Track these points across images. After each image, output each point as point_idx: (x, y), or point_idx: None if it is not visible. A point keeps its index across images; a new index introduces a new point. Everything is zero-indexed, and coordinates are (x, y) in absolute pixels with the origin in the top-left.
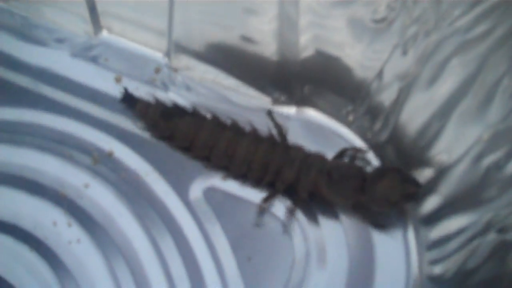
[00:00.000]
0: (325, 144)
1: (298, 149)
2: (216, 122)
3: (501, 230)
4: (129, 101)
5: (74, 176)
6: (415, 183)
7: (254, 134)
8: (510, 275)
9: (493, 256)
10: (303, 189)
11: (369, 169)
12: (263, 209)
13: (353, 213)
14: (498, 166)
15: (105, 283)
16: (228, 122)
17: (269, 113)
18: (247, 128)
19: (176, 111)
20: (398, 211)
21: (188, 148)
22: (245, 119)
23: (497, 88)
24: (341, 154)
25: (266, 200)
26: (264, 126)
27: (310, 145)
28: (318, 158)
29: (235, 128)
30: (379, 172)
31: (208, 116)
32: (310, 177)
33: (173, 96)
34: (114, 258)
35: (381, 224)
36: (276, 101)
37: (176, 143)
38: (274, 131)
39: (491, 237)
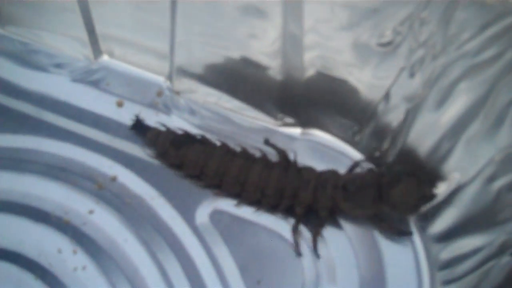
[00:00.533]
0: (332, 165)
1: (310, 170)
2: (226, 149)
3: None
4: (139, 129)
5: (78, 203)
6: (431, 183)
7: (264, 160)
8: None
9: (507, 280)
10: (322, 207)
11: (383, 175)
12: (297, 238)
13: (374, 224)
14: (509, 188)
15: None
16: (238, 149)
17: (267, 142)
18: (258, 155)
19: (186, 139)
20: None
21: (198, 176)
22: (250, 141)
23: (507, 111)
24: (353, 167)
25: (295, 228)
26: (270, 149)
27: (316, 166)
28: (331, 174)
29: (245, 155)
30: (394, 177)
31: (218, 143)
32: (327, 194)
33: (176, 120)
34: (120, 285)
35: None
36: (281, 123)
37: (187, 172)
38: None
39: (505, 260)
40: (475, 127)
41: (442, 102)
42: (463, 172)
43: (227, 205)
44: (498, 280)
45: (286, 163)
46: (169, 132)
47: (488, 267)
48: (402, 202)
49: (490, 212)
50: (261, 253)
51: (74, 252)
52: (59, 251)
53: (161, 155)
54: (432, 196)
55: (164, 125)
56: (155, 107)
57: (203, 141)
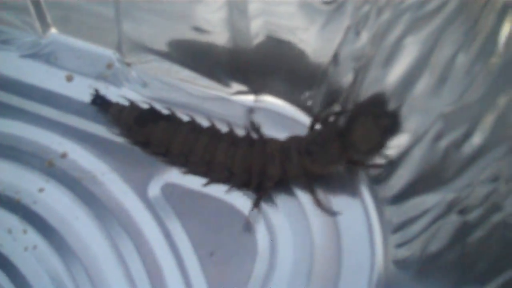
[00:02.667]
0: (287, 130)
1: (274, 142)
2: (192, 126)
3: (462, 211)
4: (100, 104)
5: (29, 181)
6: (387, 113)
7: (230, 136)
8: (470, 258)
9: (455, 238)
10: (294, 177)
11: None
12: (255, 214)
13: (352, 174)
14: (456, 145)
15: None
16: (205, 125)
17: (252, 124)
18: (224, 129)
19: (151, 115)
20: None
21: (164, 154)
22: (204, 110)
23: (452, 65)
24: (312, 126)
25: (256, 203)
26: (224, 116)
27: (271, 132)
28: (293, 141)
29: (212, 132)
30: (350, 121)
31: (186, 118)
32: (293, 163)
33: (127, 92)
34: (72, 263)
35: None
36: (234, 91)
37: (152, 150)
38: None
39: (453, 218)
40: (422, 84)
41: (389, 59)
42: (412, 131)
43: (179, 178)
44: (447, 239)
45: (252, 138)
46: (133, 108)
47: (437, 227)
48: (366, 141)
49: (439, 171)
50: (213, 225)
51: (25, 231)
52: (9, 231)
53: (125, 132)
54: (392, 126)
55: (127, 99)
56: (105, 79)
57: (169, 118)
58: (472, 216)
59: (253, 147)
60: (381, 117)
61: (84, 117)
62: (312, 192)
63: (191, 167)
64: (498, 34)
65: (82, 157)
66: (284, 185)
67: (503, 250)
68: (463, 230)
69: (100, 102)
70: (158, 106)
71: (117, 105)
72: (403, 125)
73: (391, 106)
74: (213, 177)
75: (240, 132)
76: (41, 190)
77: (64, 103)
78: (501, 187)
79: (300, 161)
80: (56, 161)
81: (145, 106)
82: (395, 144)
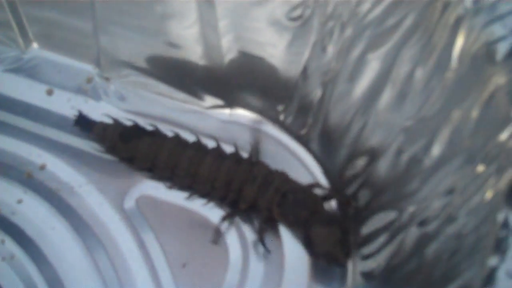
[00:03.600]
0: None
1: (262, 167)
2: (177, 141)
3: (421, 223)
4: (83, 124)
5: (7, 192)
6: (350, 243)
7: (216, 151)
8: (426, 268)
9: (415, 249)
10: (262, 207)
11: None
12: (220, 228)
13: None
14: (417, 158)
15: None
16: (190, 140)
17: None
18: (210, 146)
19: (135, 131)
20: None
21: (150, 169)
22: (180, 124)
23: (411, 80)
24: (311, 185)
25: (225, 218)
26: (199, 128)
27: (245, 146)
28: (279, 177)
29: (197, 146)
30: (326, 218)
31: (170, 134)
32: (267, 195)
33: (106, 106)
34: (48, 272)
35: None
36: (209, 105)
37: (137, 165)
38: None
39: (413, 230)
40: (384, 98)
41: (354, 74)
42: (376, 146)
43: (154, 190)
44: (408, 250)
45: (239, 156)
46: (117, 125)
47: (400, 238)
48: (318, 242)
49: (401, 184)
50: (187, 237)
51: (2, 242)
52: None
53: (110, 149)
54: (344, 252)
55: (110, 117)
56: (85, 93)
57: (153, 133)
58: (430, 228)
59: (239, 165)
60: (346, 241)
61: (63, 130)
62: (260, 229)
63: (176, 180)
64: (452, 49)
65: (60, 169)
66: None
67: (454, 259)
68: (422, 242)
69: (83, 122)
70: (140, 121)
71: (100, 123)
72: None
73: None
74: (197, 190)
75: (213, 145)
76: (19, 201)
77: (44, 116)
78: (456, 199)
79: (272, 197)
80: (35, 173)
81: (128, 123)
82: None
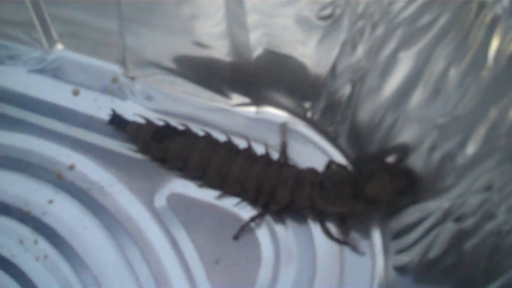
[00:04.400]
0: (288, 142)
1: (291, 168)
2: (208, 140)
3: (458, 219)
4: (117, 123)
5: (38, 193)
6: (406, 176)
7: (247, 152)
8: (466, 264)
9: (451, 245)
10: (300, 206)
11: (358, 173)
12: (248, 227)
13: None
14: (451, 156)
15: None
16: (222, 138)
17: (283, 127)
18: (241, 146)
19: (167, 131)
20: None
21: (182, 168)
22: (207, 122)
23: (445, 78)
24: (329, 165)
25: (255, 218)
26: (226, 126)
27: (272, 143)
28: (310, 172)
29: (228, 146)
30: (368, 173)
31: (201, 133)
32: (304, 193)
33: (132, 105)
34: (82, 271)
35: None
36: (235, 103)
37: (170, 165)
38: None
39: (449, 226)
40: (416, 96)
41: (384, 72)
42: (408, 143)
43: (184, 188)
44: (444, 246)
45: (269, 158)
46: (150, 125)
47: (435, 233)
48: (378, 196)
49: (435, 180)
50: (218, 234)
51: (35, 242)
52: (21, 241)
53: (143, 149)
54: (410, 188)
55: (143, 117)
56: (111, 93)
57: (185, 132)
58: (467, 224)
59: (269, 167)
60: (397, 177)
61: (91, 129)
62: (320, 222)
63: (207, 180)
64: (488, 48)
65: (89, 169)
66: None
67: (495, 256)
68: (459, 237)
69: (117, 121)
70: (173, 122)
71: (134, 123)
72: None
73: (410, 166)
74: (227, 190)
75: (240, 143)
76: (50, 201)
77: (71, 117)
78: (494, 196)
79: (310, 193)
80: (65, 173)
81: (160, 122)
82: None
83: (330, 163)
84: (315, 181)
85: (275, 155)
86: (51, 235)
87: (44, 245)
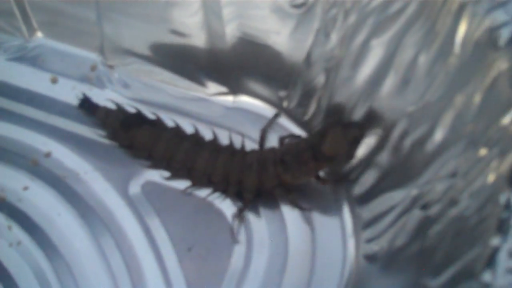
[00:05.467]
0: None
1: (253, 152)
2: (176, 132)
3: (424, 207)
4: (87, 108)
5: (13, 179)
6: (357, 124)
7: (213, 144)
8: (429, 250)
9: (417, 232)
10: (269, 187)
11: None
12: (237, 224)
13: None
14: (420, 143)
15: (47, 284)
16: (189, 132)
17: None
18: (208, 137)
19: (136, 119)
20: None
21: (147, 158)
22: (184, 111)
23: (414, 65)
24: (283, 138)
25: (238, 214)
26: (203, 115)
27: (249, 133)
28: (270, 152)
29: (194, 139)
30: (321, 134)
31: (170, 125)
32: (269, 173)
33: (110, 93)
34: (55, 257)
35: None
36: (213, 92)
37: (135, 154)
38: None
39: (416, 213)
40: (387, 84)
41: (357, 60)
42: (379, 131)
43: (159, 176)
44: (410, 233)
45: (233, 148)
46: (119, 111)
47: (403, 221)
48: (335, 152)
49: (404, 168)
50: (192, 222)
51: (9, 228)
52: None
53: (111, 135)
54: (361, 135)
55: (114, 103)
56: (89, 81)
57: (154, 122)
58: (433, 211)
59: (233, 157)
60: (349, 128)
61: (68, 117)
62: (291, 201)
63: (173, 172)
64: (455, 35)
65: (65, 156)
66: (263, 195)
67: (456, 240)
68: (424, 224)
69: (87, 106)
70: (144, 109)
71: (104, 108)
72: (370, 133)
73: (358, 117)
74: (194, 183)
75: (220, 133)
76: (25, 188)
77: (49, 104)
78: (458, 182)
79: (275, 171)
80: (41, 160)
81: (132, 110)
82: (364, 144)
83: (282, 138)
84: (276, 158)
85: (251, 145)
86: (25, 221)
87: (17, 231)
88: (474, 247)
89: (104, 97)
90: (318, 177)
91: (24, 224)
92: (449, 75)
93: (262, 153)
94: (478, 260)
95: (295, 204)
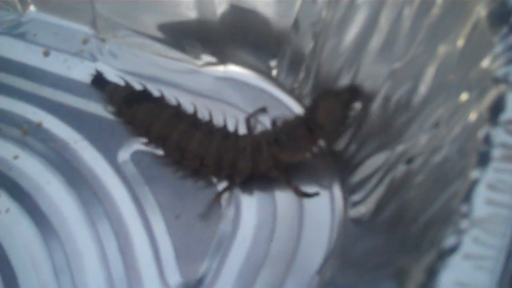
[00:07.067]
0: (255, 102)
1: (246, 136)
2: (175, 112)
3: (409, 161)
4: (99, 84)
5: (3, 149)
6: (348, 89)
7: (208, 127)
8: (409, 202)
9: (400, 187)
10: (264, 169)
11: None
12: (217, 202)
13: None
14: (406, 99)
15: (35, 249)
16: (189, 113)
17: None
18: (205, 118)
19: (140, 96)
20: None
21: (144, 135)
22: (176, 82)
23: (399, 21)
24: (274, 122)
25: (222, 193)
26: (195, 89)
27: (239, 103)
28: (264, 134)
29: (191, 120)
30: (313, 106)
31: (172, 104)
32: (264, 155)
33: (101, 66)
34: (43, 225)
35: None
36: (203, 63)
37: (134, 130)
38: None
39: (401, 169)
40: (373, 44)
41: (343, 23)
42: (368, 93)
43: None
44: (394, 189)
45: (226, 131)
46: (126, 88)
47: (388, 179)
48: (330, 118)
49: (390, 126)
50: (180, 190)
51: None
52: None
53: (116, 111)
54: (352, 97)
55: (123, 79)
56: (81, 54)
57: (157, 100)
58: (416, 163)
59: (226, 140)
60: (339, 93)
61: (59, 89)
62: (287, 182)
63: (167, 152)
64: None
65: (56, 126)
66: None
67: (435, 185)
68: (407, 178)
69: (99, 81)
70: (133, 81)
71: (113, 84)
72: (360, 95)
73: (347, 81)
74: (185, 164)
75: (208, 104)
76: (16, 157)
77: (41, 77)
78: (441, 130)
79: (270, 152)
80: (31, 130)
81: (139, 87)
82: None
83: (274, 120)
84: (270, 139)
85: (241, 116)
86: (14, 189)
87: (6, 199)
88: (453, 184)
89: (95, 69)
90: (313, 153)
91: (13, 192)
92: (432, 27)
93: (255, 136)
94: (457, 195)
95: (290, 185)
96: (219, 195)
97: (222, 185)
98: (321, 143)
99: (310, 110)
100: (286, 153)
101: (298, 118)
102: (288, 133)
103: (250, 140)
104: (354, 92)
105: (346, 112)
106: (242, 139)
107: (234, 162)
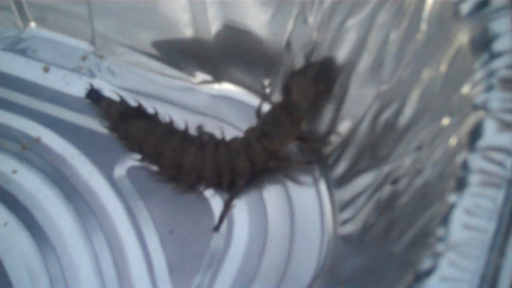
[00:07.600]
0: (248, 119)
1: (234, 139)
2: (168, 128)
3: (394, 181)
4: (94, 98)
5: (2, 163)
6: (312, 64)
7: (199, 141)
8: (394, 221)
9: (386, 207)
10: (261, 164)
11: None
12: (226, 214)
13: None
14: (392, 121)
15: (32, 261)
16: (181, 129)
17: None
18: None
19: (134, 112)
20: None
21: (139, 152)
22: (172, 99)
23: (386, 45)
24: (258, 114)
25: (230, 202)
26: (190, 106)
27: (235, 121)
28: (250, 132)
29: (184, 136)
30: (286, 90)
31: (165, 121)
32: (257, 150)
33: (99, 82)
34: (40, 238)
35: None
36: (199, 80)
37: (128, 146)
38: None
39: (387, 189)
40: (362, 66)
41: (333, 44)
42: (356, 114)
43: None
44: (380, 209)
45: (216, 140)
46: (121, 104)
47: (375, 199)
48: (304, 96)
49: (377, 147)
50: (174, 205)
51: None
52: None
53: (111, 126)
54: (320, 71)
55: (118, 95)
56: (80, 71)
57: (150, 117)
58: (401, 184)
59: (218, 148)
60: (306, 70)
61: (58, 104)
62: (290, 163)
63: (161, 169)
64: (421, 12)
65: (54, 141)
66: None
67: (417, 206)
68: (393, 198)
69: (94, 96)
70: (130, 98)
71: (108, 99)
72: (329, 68)
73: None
74: (182, 180)
75: (206, 120)
76: (14, 171)
77: (40, 92)
78: (424, 153)
79: (261, 146)
80: (30, 145)
81: (134, 103)
82: (341, 127)
83: (258, 112)
84: (257, 134)
85: (235, 133)
86: (12, 203)
87: (4, 212)
88: (432, 207)
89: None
90: (300, 138)
91: (11, 205)
92: (417, 52)
93: (243, 137)
94: (435, 218)
95: (292, 164)
96: (228, 204)
97: (216, 200)
98: (304, 125)
99: (285, 95)
100: (276, 142)
101: (277, 105)
102: (272, 122)
103: (240, 141)
104: (319, 65)
105: (317, 86)
106: (232, 143)
107: (232, 166)
